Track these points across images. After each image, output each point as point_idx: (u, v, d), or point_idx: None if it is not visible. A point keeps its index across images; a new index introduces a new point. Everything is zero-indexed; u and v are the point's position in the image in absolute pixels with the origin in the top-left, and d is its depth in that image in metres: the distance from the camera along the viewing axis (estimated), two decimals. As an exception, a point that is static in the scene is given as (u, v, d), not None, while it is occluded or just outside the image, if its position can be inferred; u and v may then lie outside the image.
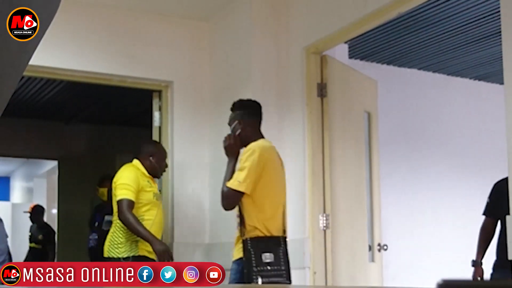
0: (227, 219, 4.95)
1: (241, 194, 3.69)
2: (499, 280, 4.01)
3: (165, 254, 4.32)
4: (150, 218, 4.53)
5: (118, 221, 4.47)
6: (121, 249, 4.47)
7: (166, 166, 4.82)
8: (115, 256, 4.46)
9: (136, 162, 4.68)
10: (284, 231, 3.77)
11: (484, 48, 6.13)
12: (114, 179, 4.58)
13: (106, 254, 4.54)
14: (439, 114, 6.92)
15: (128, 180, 4.50)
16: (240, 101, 3.95)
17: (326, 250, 4.52)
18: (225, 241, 4.87)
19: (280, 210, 3.75)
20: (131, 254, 4.44)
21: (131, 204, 4.44)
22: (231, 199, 3.75)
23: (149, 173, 4.65)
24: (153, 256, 4.40)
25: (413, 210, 6.62)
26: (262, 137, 3.85)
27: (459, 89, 7.04)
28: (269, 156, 3.72)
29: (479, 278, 4.57)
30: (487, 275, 4.59)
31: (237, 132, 3.83)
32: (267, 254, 3.63)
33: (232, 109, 3.91)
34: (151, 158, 4.68)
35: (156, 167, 4.70)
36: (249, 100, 3.96)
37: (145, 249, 4.45)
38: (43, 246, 8.55)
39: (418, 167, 6.71)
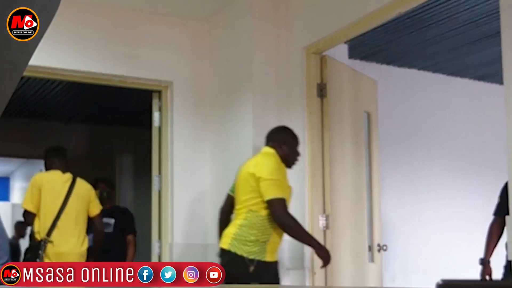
0: (227, 219, 4.95)
1: (26, 211, 5.12)
2: (498, 280, 4.00)
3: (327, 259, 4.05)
4: None
5: (249, 215, 4.02)
6: (250, 247, 4.00)
7: (299, 154, 4.31)
8: (240, 254, 4.00)
9: (271, 150, 4.20)
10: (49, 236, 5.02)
11: (484, 48, 6.13)
12: (255, 169, 4.06)
13: (227, 247, 4.06)
14: (439, 114, 6.92)
15: (278, 174, 4.05)
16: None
17: (326, 250, 4.52)
18: (225, 241, 4.87)
19: (46, 221, 5.04)
20: (258, 258, 3.99)
21: (285, 203, 4.02)
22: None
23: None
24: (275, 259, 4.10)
25: (413, 210, 6.61)
26: (56, 169, 5.26)
27: (459, 89, 7.04)
28: (40, 183, 5.14)
29: (487, 277, 4.56)
30: (496, 273, 4.56)
31: None
32: (28, 255, 5.02)
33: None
34: (283, 146, 4.22)
35: (289, 156, 4.23)
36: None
37: (273, 254, 4.08)
38: None
39: (418, 167, 6.71)
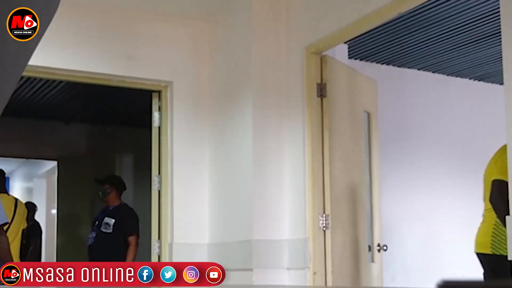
0: (227, 219, 4.95)
1: None
2: (498, 280, 3.99)
3: None
4: None
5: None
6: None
7: None
8: (506, 253, 3.58)
9: None
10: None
11: (484, 48, 6.13)
12: (490, 162, 3.88)
13: (490, 251, 3.82)
14: (439, 114, 6.92)
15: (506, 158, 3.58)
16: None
17: (326, 250, 4.52)
18: (225, 241, 4.87)
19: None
20: None
21: (505, 187, 3.62)
22: None
23: None
24: None
25: (413, 210, 6.62)
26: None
27: (459, 89, 7.04)
28: None
29: None
30: None
31: None
32: None
33: None
34: None
35: None
36: None
37: None
38: (27, 241, 8.55)
39: (418, 167, 6.71)
